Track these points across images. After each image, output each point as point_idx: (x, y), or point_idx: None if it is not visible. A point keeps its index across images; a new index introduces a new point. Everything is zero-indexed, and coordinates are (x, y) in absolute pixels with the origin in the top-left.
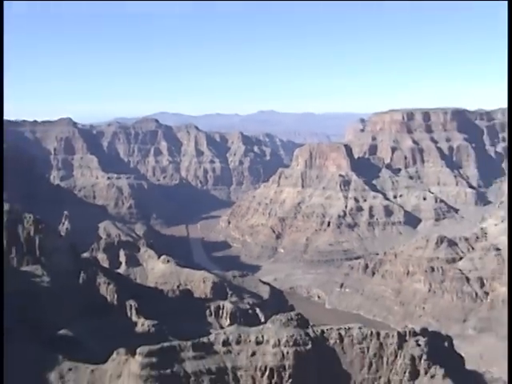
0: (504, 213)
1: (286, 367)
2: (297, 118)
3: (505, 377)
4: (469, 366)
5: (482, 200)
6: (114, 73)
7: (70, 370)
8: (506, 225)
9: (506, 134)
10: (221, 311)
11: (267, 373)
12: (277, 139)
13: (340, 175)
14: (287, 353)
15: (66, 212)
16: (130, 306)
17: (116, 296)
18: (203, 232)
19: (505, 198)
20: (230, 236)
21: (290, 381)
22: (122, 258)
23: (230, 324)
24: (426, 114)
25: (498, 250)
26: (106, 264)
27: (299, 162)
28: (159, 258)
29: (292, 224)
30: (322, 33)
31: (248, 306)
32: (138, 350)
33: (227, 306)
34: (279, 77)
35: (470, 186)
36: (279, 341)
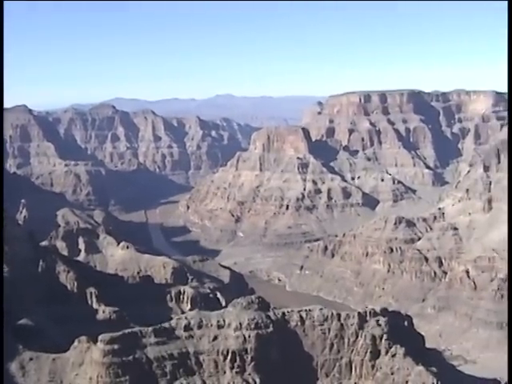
0: (462, 193)
1: (248, 350)
2: (254, 102)
3: (464, 354)
4: (428, 344)
5: (439, 180)
6: (69, 58)
7: (30, 359)
8: (462, 205)
9: (462, 115)
10: (181, 296)
11: (229, 356)
12: (234, 123)
13: (298, 158)
14: (249, 336)
15: (23, 200)
16: (91, 293)
17: (76, 284)
18: (162, 217)
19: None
20: (189, 221)
21: (253, 364)
22: (81, 246)
23: (191, 309)
24: (383, 96)
25: (456, 229)
26: (65, 252)
27: (257, 146)
28: (118, 244)
29: (251, 207)
30: (279, 16)
31: (209, 291)
32: (100, 338)
33: (188, 290)
34: (236, 60)
35: (427, 167)
36: (241, 324)
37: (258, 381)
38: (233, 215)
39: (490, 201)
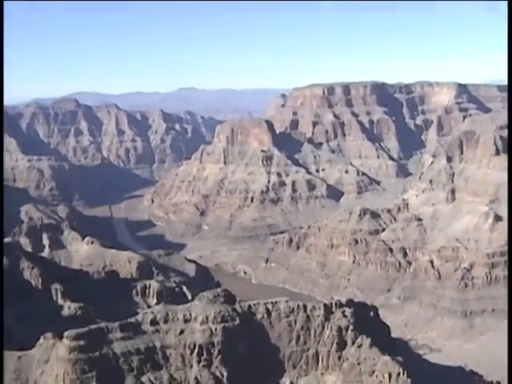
0: (425, 184)
1: (215, 344)
2: (217, 95)
3: (429, 343)
4: (394, 334)
5: (403, 172)
6: (31, 52)
7: None
8: (426, 195)
9: (425, 107)
10: (147, 291)
11: (196, 350)
12: (198, 116)
13: (262, 151)
14: (215, 329)
15: None
16: (56, 289)
17: (40, 280)
18: (127, 212)
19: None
20: (153, 215)
21: (220, 357)
22: (46, 242)
23: (157, 303)
24: (346, 88)
25: (420, 220)
26: (28, 248)
27: (221, 139)
28: (83, 239)
29: (215, 201)
30: (241, 9)
31: (174, 285)
32: (66, 334)
33: (154, 285)
34: (199, 54)
35: (391, 159)
36: (207, 318)
37: (225, 374)
38: (198, 208)
39: (453, 191)
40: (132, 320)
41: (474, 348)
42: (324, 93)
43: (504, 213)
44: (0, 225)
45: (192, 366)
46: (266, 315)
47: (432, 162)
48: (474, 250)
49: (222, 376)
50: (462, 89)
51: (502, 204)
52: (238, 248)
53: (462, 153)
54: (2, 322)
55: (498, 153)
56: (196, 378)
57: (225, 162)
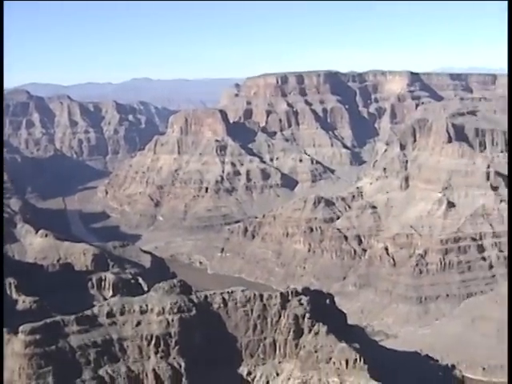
0: (379, 172)
1: (172, 334)
2: (171, 85)
3: (385, 329)
4: (351, 321)
5: (357, 160)
6: None
7: None
8: (380, 183)
9: (378, 95)
10: (103, 283)
11: (153, 341)
12: (151, 107)
13: (216, 140)
14: (172, 320)
15: None
16: (10, 283)
17: None
18: (81, 204)
19: (380, 160)
20: (108, 206)
21: (177, 348)
22: None
23: (113, 295)
24: (300, 77)
25: (374, 207)
26: None
27: (175, 129)
28: (37, 232)
29: (170, 191)
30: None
31: (130, 276)
32: (21, 328)
33: (109, 277)
34: (152, 44)
35: (345, 147)
36: (163, 309)
37: (182, 364)
38: (152, 199)
39: (406, 179)
40: (88, 313)
41: (429, 333)
42: (277, 82)
43: (456, 199)
44: (0, 221)
45: (149, 357)
46: (222, 305)
47: (385, 150)
48: (427, 237)
49: (180, 366)
50: (415, 77)
51: (455, 191)
52: (193, 238)
53: (414, 140)
54: (1, 322)
55: (450, 140)
56: (154, 370)
57: (179, 153)
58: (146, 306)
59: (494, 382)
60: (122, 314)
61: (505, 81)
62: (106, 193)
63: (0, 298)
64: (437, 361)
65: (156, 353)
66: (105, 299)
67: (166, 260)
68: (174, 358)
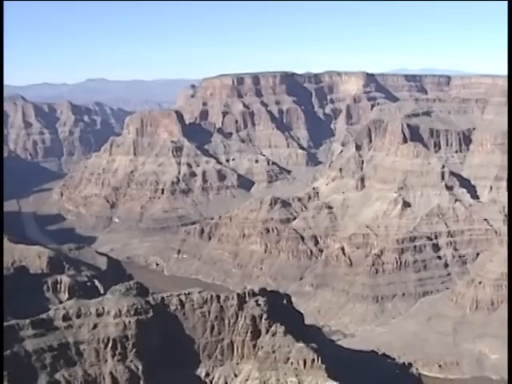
0: (335, 173)
1: (129, 337)
2: (126, 86)
3: (342, 328)
4: (308, 321)
5: (313, 160)
6: None
7: None
8: (336, 183)
9: (333, 96)
10: (59, 286)
11: (110, 344)
12: (107, 108)
13: (172, 141)
14: (129, 322)
15: None
16: None
17: None
18: (35, 206)
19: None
20: (63, 208)
21: (134, 350)
22: None
23: (69, 298)
24: (256, 78)
25: (330, 208)
26: None
27: (130, 130)
28: None
29: (126, 193)
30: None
31: (86, 279)
32: None
33: (65, 279)
34: (108, 44)
35: (301, 148)
36: (120, 311)
37: (140, 367)
38: (108, 201)
39: (362, 179)
40: (44, 316)
41: (386, 332)
42: (233, 83)
43: (412, 199)
44: (0, 222)
45: (106, 360)
46: (179, 307)
47: (341, 151)
48: (383, 237)
49: (137, 369)
50: (370, 78)
51: (410, 190)
52: (150, 240)
53: (370, 141)
54: (2, 322)
55: (405, 141)
56: (111, 373)
57: (135, 154)
58: (103, 308)
59: (450, 378)
60: (78, 317)
61: (458, 82)
62: (62, 195)
63: (0, 299)
64: (394, 359)
65: (113, 356)
66: (60, 302)
67: (123, 262)
68: (132, 361)
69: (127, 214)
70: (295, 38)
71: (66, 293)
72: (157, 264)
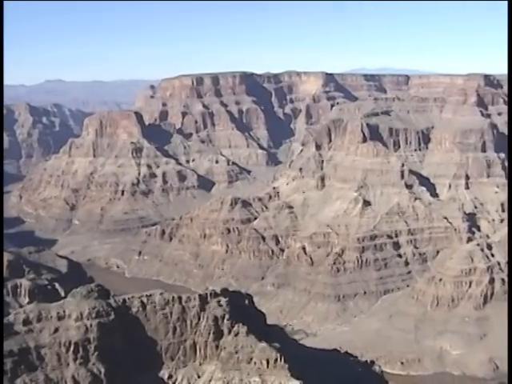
0: (295, 172)
1: (91, 340)
2: (85, 87)
3: (304, 328)
4: (270, 321)
5: (273, 160)
6: None
7: None
8: (296, 183)
9: (293, 96)
10: (18, 290)
11: (72, 348)
12: (66, 109)
13: (132, 143)
14: (91, 325)
15: None
16: None
17: None
18: None
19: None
20: (22, 211)
21: (96, 353)
22: None
23: (29, 302)
24: (215, 79)
25: (291, 207)
26: None
27: (89, 132)
28: None
29: (86, 195)
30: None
31: (46, 282)
32: None
33: (25, 283)
34: (65, 45)
35: (261, 148)
36: (81, 314)
37: (102, 370)
38: (67, 203)
39: (322, 178)
40: (4, 321)
41: (348, 330)
42: (193, 83)
43: (372, 198)
44: (0, 225)
45: (68, 364)
46: (141, 308)
47: (301, 150)
48: (344, 235)
49: (100, 372)
50: (329, 78)
51: (370, 189)
52: (110, 242)
53: (330, 140)
54: (1, 323)
55: (365, 140)
56: (73, 377)
57: (94, 155)
58: (64, 311)
59: (413, 375)
60: (38, 320)
61: (417, 81)
62: (20, 197)
63: (0, 299)
64: (356, 357)
65: (75, 359)
66: (21, 306)
67: (83, 264)
68: (94, 364)
69: (87, 216)
70: (254, 38)
71: (26, 297)
72: (118, 266)
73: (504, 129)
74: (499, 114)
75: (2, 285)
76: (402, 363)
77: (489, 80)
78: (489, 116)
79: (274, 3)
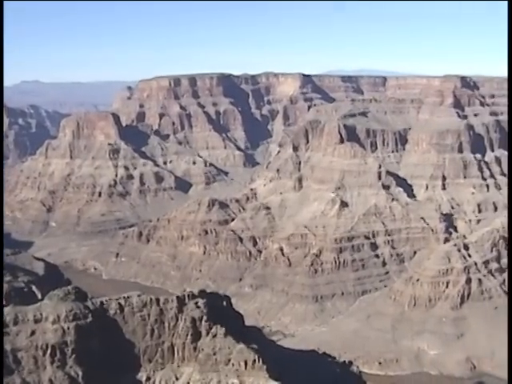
0: (273, 173)
1: (68, 343)
2: (62, 88)
3: (282, 329)
4: (248, 322)
5: (250, 162)
6: None
7: None
8: (274, 184)
9: (270, 97)
10: None
11: (49, 351)
12: (42, 110)
13: (109, 144)
14: (68, 328)
15: None
16: None
17: None
18: None
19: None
20: None
21: (74, 356)
22: None
23: (6, 305)
24: (193, 80)
25: (268, 208)
26: None
27: (66, 133)
28: None
29: (63, 196)
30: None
31: (23, 285)
32: None
33: None
34: (42, 45)
35: (238, 149)
36: (58, 317)
37: (80, 373)
38: (44, 205)
39: (300, 180)
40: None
41: (326, 331)
42: (170, 85)
43: (349, 199)
44: (0, 222)
45: (45, 367)
46: (118, 311)
47: (278, 152)
48: (322, 236)
49: (77, 375)
50: (307, 79)
51: (347, 190)
52: (88, 244)
53: (307, 142)
54: (2, 322)
55: (342, 141)
56: (50, 380)
57: (71, 157)
58: (41, 314)
59: (390, 375)
60: (15, 323)
61: (394, 82)
62: None
63: (0, 300)
64: (334, 358)
65: (52, 362)
66: None
67: (60, 267)
68: (71, 367)
69: (64, 218)
70: (232, 39)
71: (3, 299)
72: (95, 268)
73: (480, 130)
74: (475, 115)
75: (2, 285)
76: (379, 363)
77: (465, 81)
78: (465, 117)
79: (250, 4)
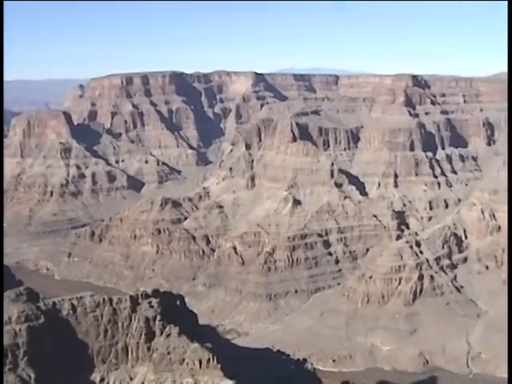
0: (225, 172)
1: (20, 345)
2: (13, 86)
3: (236, 327)
4: (202, 321)
5: (203, 160)
6: None
7: None
8: (226, 183)
9: (223, 95)
10: None
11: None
12: None
13: (60, 143)
14: (20, 330)
15: None
16: None
17: None
18: None
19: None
20: None
21: (26, 358)
22: None
23: None
24: (145, 78)
25: (221, 207)
26: None
27: (17, 132)
28: None
29: (13, 196)
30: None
31: None
32: None
33: None
34: None
35: (191, 147)
36: (10, 318)
37: (32, 375)
38: None
39: (252, 178)
40: None
41: (280, 329)
42: (122, 83)
43: (302, 197)
44: (0, 223)
45: None
46: (71, 311)
47: (231, 150)
48: (275, 235)
49: (30, 378)
50: (259, 78)
51: (300, 188)
52: (39, 244)
53: (260, 140)
54: (2, 322)
55: (294, 139)
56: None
57: (22, 156)
58: None
59: (344, 372)
60: None
61: (346, 81)
62: None
63: (0, 300)
64: (289, 355)
65: (3, 365)
66: None
67: (12, 267)
68: (23, 370)
69: (15, 218)
70: (184, 37)
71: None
72: (47, 268)
73: (431, 128)
74: (427, 113)
75: (2, 285)
76: (333, 360)
77: (416, 80)
78: (417, 115)
79: (200, 4)
